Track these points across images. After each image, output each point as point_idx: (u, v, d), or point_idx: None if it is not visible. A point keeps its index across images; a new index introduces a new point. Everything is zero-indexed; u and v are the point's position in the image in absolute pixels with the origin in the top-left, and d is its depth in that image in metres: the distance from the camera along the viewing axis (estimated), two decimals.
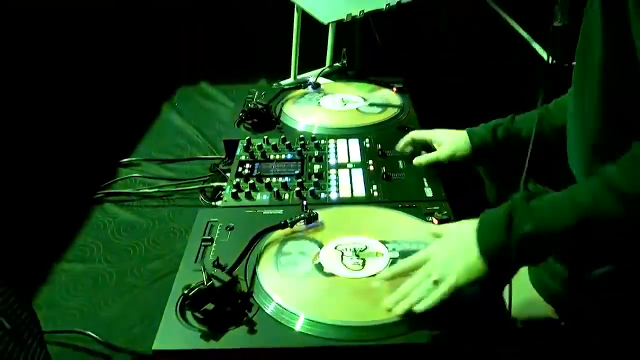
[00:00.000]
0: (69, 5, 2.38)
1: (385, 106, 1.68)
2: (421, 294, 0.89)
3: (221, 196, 1.36)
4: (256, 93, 1.83)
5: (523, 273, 1.08)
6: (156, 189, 1.53)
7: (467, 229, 0.90)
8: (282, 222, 1.12)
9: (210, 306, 0.93)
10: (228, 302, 0.94)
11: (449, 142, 1.33)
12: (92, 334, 1.06)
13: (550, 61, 1.04)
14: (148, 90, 2.19)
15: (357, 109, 1.67)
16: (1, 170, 1.56)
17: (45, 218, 1.43)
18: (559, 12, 2.35)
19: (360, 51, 2.42)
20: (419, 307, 0.88)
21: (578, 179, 1.03)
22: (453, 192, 1.31)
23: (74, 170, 1.61)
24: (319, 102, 1.72)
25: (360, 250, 1.06)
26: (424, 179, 1.30)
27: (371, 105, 1.69)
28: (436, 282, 0.89)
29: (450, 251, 0.90)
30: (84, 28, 2.39)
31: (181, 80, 2.29)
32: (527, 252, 0.84)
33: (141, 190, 1.53)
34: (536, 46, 2.10)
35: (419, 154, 1.37)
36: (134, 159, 1.70)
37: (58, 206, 1.47)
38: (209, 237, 1.13)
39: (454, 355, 0.90)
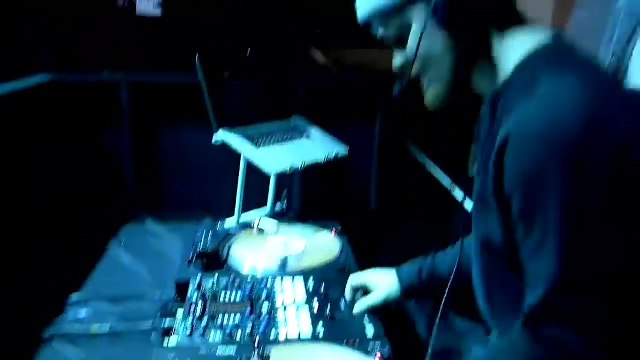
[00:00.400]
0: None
1: (325, 249, 1.83)
2: None
3: (174, 335, 1.42)
4: (204, 233, 1.96)
5: None
6: (107, 329, 1.57)
7: None
8: None
9: None
10: None
11: (382, 286, 1.51)
12: None
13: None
14: (93, 227, 2.26)
15: (299, 251, 1.81)
16: None
17: None
18: (474, 165, 2.68)
19: (300, 194, 2.62)
20: None
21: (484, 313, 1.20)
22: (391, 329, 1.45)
23: (22, 310, 1.63)
24: (264, 245, 1.86)
25: None
26: (365, 318, 1.43)
27: (312, 248, 1.84)
28: None
29: None
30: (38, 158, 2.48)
31: (126, 218, 2.38)
32: None
33: (91, 331, 1.56)
34: (456, 194, 2.36)
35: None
36: (82, 296, 1.74)
37: (5, 348, 1.47)
38: None
39: None
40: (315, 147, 2.23)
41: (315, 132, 2.31)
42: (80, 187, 2.50)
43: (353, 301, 1.51)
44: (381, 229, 2.58)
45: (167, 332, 1.49)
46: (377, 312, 1.47)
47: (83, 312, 1.66)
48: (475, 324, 2.02)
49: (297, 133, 2.28)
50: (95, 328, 1.58)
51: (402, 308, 2.04)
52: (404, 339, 1.96)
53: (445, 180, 2.57)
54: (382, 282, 1.51)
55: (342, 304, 1.51)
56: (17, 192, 2.26)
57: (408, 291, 1.49)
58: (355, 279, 1.55)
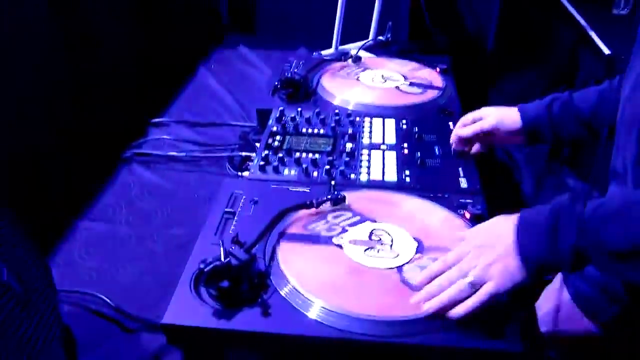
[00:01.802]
0: None
1: (426, 87, 1.61)
2: (455, 294, 0.84)
3: (248, 166, 1.32)
4: (294, 62, 1.78)
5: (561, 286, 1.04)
6: (184, 153, 1.50)
7: (505, 229, 0.85)
8: (308, 202, 1.07)
9: (225, 284, 0.90)
10: (244, 281, 0.91)
11: (497, 114, 1.25)
12: (105, 298, 1.05)
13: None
14: (185, 48, 2.15)
15: (396, 87, 1.60)
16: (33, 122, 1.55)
17: (71, 174, 1.41)
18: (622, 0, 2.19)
19: (406, 26, 2.33)
20: (457, 312, 0.84)
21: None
22: (489, 185, 1.25)
23: (106, 126, 1.59)
24: (357, 77, 1.66)
25: (386, 240, 1.02)
26: (460, 169, 1.24)
27: (412, 84, 1.62)
28: (473, 285, 0.84)
29: (488, 253, 0.84)
30: None
31: (219, 41, 2.25)
32: (575, 266, 0.79)
33: (169, 153, 1.50)
34: (593, 35, 1.99)
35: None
36: (165, 119, 1.67)
37: (86, 162, 1.45)
38: (232, 210, 1.10)
39: None
40: None
41: None
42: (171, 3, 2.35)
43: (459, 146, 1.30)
44: (495, 71, 2.26)
45: (244, 160, 1.40)
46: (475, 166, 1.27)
47: (164, 134, 1.60)
48: (589, 186, 1.77)
49: None
50: (173, 152, 1.52)
51: (509, 155, 1.82)
52: (506, 195, 1.77)
53: (581, 20, 2.17)
54: (496, 112, 1.25)
55: (437, 149, 1.31)
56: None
57: (531, 126, 1.21)
58: (473, 112, 1.30)
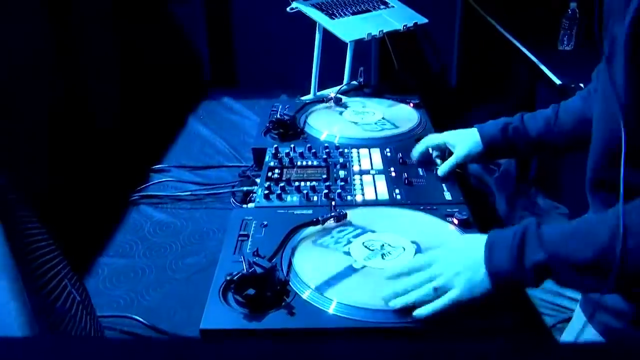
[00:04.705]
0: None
1: (403, 119, 1.78)
2: (419, 296, 0.95)
3: (252, 199, 1.45)
4: (280, 106, 1.94)
5: (578, 314, 1.12)
6: (188, 192, 1.62)
7: (475, 244, 0.95)
8: (314, 220, 1.21)
9: (251, 291, 1.02)
10: (268, 287, 1.03)
11: (463, 143, 1.43)
12: (139, 319, 1.14)
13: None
14: (172, 104, 2.30)
15: (376, 122, 1.77)
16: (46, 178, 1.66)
17: (86, 218, 1.51)
18: (565, 38, 2.47)
19: (376, 69, 2.53)
20: (420, 313, 0.94)
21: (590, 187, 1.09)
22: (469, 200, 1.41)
23: (110, 177, 1.71)
24: (341, 114, 1.82)
25: (387, 245, 1.15)
26: (443, 185, 1.40)
27: (390, 118, 1.79)
28: (436, 290, 0.94)
29: (456, 264, 0.94)
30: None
31: (204, 97, 2.40)
32: (536, 280, 0.89)
33: (174, 193, 1.62)
34: (544, 68, 2.21)
35: (433, 160, 1.50)
36: (165, 165, 1.80)
37: (97, 208, 1.56)
38: (245, 233, 1.22)
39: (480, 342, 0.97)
40: (393, 16, 2.12)
41: (393, 2, 2.19)
42: (156, 61, 2.51)
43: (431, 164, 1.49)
44: (462, 106, 2.47)
45: (246, 195, 1.53)
46: (456, 182, 1.43)
47: (165, 179, 1.72)
48: (557, 203, 1.94)
49: (374, 3, 2.17)
50: (177, 192, 1.64)
51: (481, 181, 1.99)
52: (482, 209, 1.92)
53: (532, 57, 2.41)
54: (461, 141, 1.43)
55: (420, 171, 1.47)
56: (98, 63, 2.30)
57: (491, 148, 1.39)
58: (433, 138, 1.50)
